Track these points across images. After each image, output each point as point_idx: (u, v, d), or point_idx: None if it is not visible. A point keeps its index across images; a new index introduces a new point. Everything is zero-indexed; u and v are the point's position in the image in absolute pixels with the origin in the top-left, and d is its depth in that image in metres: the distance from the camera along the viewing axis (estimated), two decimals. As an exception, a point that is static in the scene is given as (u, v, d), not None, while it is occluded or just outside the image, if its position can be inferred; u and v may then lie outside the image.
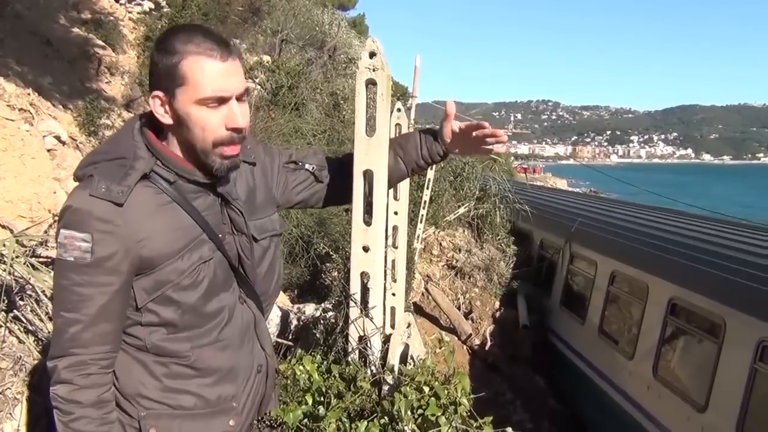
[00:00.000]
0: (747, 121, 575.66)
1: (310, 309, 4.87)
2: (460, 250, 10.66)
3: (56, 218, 4.67)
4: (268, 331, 1.86)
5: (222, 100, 1.55)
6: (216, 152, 1.59)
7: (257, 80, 10.35)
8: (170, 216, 1.59)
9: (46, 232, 4.09)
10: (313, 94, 10.95)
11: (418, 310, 9.37)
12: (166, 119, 1.58)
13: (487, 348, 9.14)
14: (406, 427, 1.77)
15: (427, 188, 8.42)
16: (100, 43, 8.68)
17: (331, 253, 6.07)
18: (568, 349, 8.72)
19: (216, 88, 1.53)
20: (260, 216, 1.82)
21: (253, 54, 12.67)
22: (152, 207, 1.56)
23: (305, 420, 1.94)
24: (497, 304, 10.00)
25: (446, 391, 1.88)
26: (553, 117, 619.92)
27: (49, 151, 5.44)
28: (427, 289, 9.62)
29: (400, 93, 16.34)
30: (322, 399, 2.00)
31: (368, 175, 2.06)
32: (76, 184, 1.56)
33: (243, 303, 1.77)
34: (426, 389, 1.88)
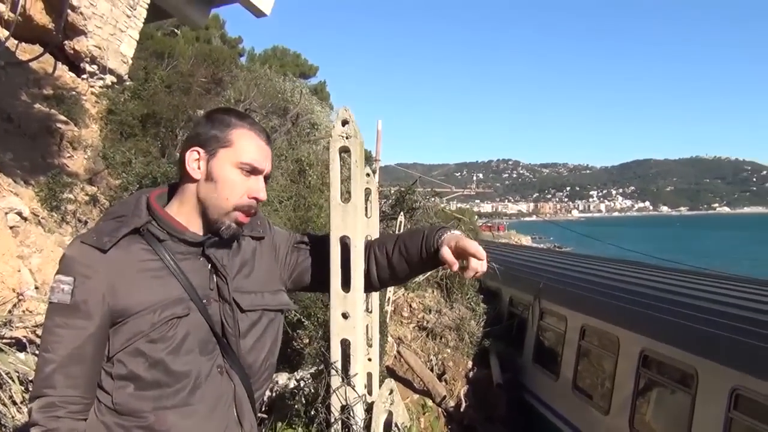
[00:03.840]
0: (700, 173, 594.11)
1: (283, 378, 4.76)
2: (430, 311, 10.62)
3: (20, 297, 4.55)
4: (249, 406, 1.80)
5: (254, 171, 1.72)
6: (231, 215, 1.71)
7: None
8: (153, 272, 1.65)
9: (10, 311, 3.96)
10: (278, 161, 11.01)
11: (390, 373, 9.23)
12: (197, 174, 1.70)
13: (462, 409, 9.00)
14: None
15: (398, 230, 8.42)
16: (62, 118, 8.64)
17: (302, 319, 5.99)
18: (543, 406, 8.65)
19: (255, 159, 1.71)
20: (255, 289, 1.82)
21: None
22: (137, 260, 1.64)
23: None
24: (470, 363, 9.92)
25: None
26: (514, 175, 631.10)
27: (11, 228, 5.34)
28: (399, 352, 9.51)
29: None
30: None
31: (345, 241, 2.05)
32: None
33: (223, 373, 1.73)
34: None
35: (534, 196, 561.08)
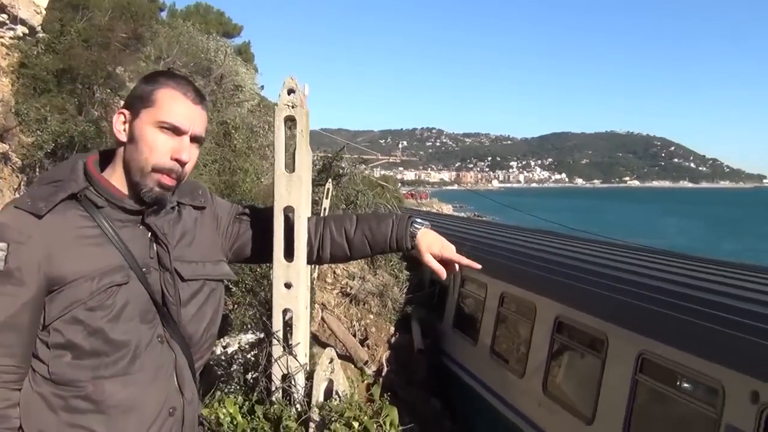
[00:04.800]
0: (614, 147, 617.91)
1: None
2: (353, 278, 10.71)
3: None
4: (191, 376, 1.79)
5: (177, 131, 1.66)
6: (153, 177, 1.65)
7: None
8: (91, 239, 1.60)
9: None
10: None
11: (314, 338, 9.29)
12: (122, 136, 1.67)
13: (383, 374, 9.19)
14: None
15: (327, 198, 8.39)
16: (-31, 69, 8.12)
17: (230, 285, 5.92)
18: (462, 371, 8.93)
19: (176, 119, 1.65)
20: (196, 259, 1.80)
21: (135, 81, 12.23)
22: (74, 227, 1.59)
23: None
24: (392, 329, 10.10)
25: (375, 425, 1.89)
26: (437, 144, 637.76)
27: None
28: (323, 318, 9.57)
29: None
30: None
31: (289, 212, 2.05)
32: None
33: (164, 342, 1.72)
34: (356, 424, 1.88)
35: (456, 165, 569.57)
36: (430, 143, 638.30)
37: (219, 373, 2.59)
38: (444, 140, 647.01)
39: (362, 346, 9.53)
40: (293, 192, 1.98)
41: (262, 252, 2.12)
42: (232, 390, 2.43)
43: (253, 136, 12.39)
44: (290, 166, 2.04)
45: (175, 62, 12.66)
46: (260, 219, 2.09)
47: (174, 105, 1.66)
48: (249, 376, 2.44)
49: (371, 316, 10.18)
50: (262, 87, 22.37)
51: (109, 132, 8.62)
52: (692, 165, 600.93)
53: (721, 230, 72.57)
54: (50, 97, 8.32)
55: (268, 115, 16.72)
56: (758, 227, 75.91)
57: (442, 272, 2.05)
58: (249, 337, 4.44)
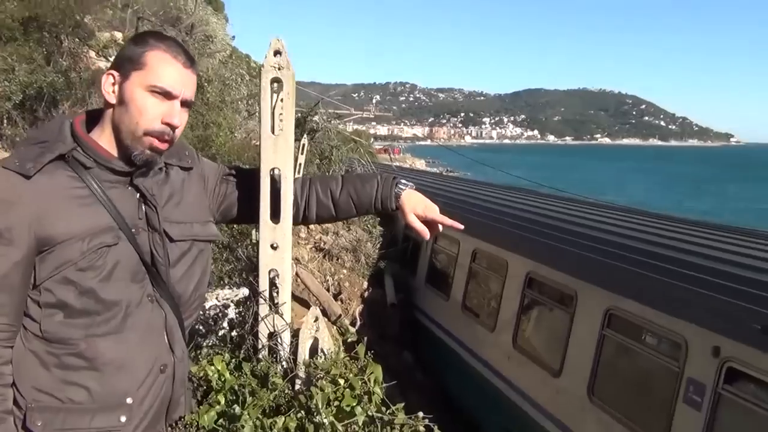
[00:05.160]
0: (585, 105, 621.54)
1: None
2: (327, 233, 10.75)
3: None
4: (180, 335, 1.83)
5: (168, 96, 1.65)
6: (144, 141, 1.66)
7: (111, 59, 9.76)
8: (80, 200, 1.61)
9: None
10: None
11: (288, 293, 9.36)
12: (111, 97, 1.66)
13: (356, 328, 9.32)
14: (325, 420, 1.82)
15: (302, 153, 8.34)
16: None
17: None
18: (434, 325, 9.11)
19: (168, 83, 1.65)
20: (184, 220, 1.82)
21: (104, 31, 11.92)
22: (62, 188, 1.59)
23: (220, 420, 1.93)
24: (365, 284, 10.21)
25: (360, 382, 1.95)
26: (411, 99, 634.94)
27: None
28: (296, 273, 9.63)
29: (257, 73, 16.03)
30: (235, 398, 2.00)
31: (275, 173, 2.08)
32: None
33: (154, 301, 1.75)
34: (341, 381, 1.94)
35: (429, 120, 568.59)
36: (404, 98, 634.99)
37: (198, 328, 2.63)
38: (417, 95, 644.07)
39: (336, 300, 9.65)
40: (279, 154, 2.00)
41: (248, 212, 2.13)
42: (211, 345, 2.48)
43: (225, 89, 12.20)
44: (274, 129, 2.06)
45: (144, 11, 12.34)
46: (246, 180, 2.10)
47: (165, 69, 1.65)
48: (234, 333, 2.49)
49: (345, 271, 10.27)
50: (233, 37, 21.93)
51: (78, 83, 8.45)
52: (662, 123, 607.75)
53: (685, 188, 73.95)
54: (16, 47, 8.08)
55: (240, 67, 16.43)
56: (723, 186, 77.59)
57: (426, 233, 2.10)
58: (227, 292, 4.47)
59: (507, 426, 6.72)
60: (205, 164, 2.02)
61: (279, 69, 2.01)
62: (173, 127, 1.68)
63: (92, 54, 10.67)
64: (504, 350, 7.02)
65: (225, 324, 2.70)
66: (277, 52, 1.99)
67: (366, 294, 9.97)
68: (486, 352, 7.49)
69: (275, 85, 2.04)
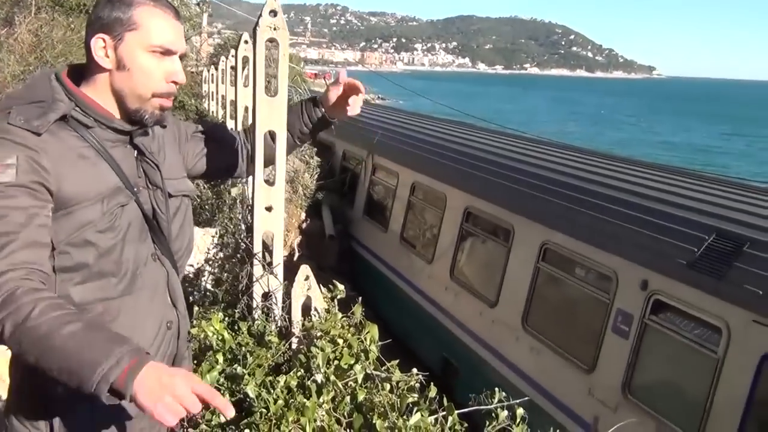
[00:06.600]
0: (517, 33, 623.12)
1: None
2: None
3: None
4: (180, 290, 1.84)
5: (168, 53, 1.62)
6: (153, 102, 1.63)
7: None
8: (88, 161, 1.56)
9: None
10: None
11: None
12: (106, 62, 1.59)
13: (295, 259, 9.39)
14: (325, 380, 1.88)
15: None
16: None
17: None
18: (372, 256, 9.27)
19: (167, 40, 1.60)
20: (174, 176, 1.82)
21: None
22: (70, 149, 1.53)
23: (222, 380, 1.96)
24: (303, 215, 10.23)
25: (358, 341, 2.01)
26: (342, 22, 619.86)
27: None
28: (233, 204, 9.54)
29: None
30: (232, 357, 2.03)
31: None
32: None
33: (156, 260, 1.74)
34: (340, 341, 1.99)
35: (361, 45, 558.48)
36: (335, 21, 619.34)
37: (184, 285, 2.62)
38: (349, 18, 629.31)
39: (273, 231, 9.65)
40: (274, 115, 1.98)
41: (218, 167, 2.13)
42: (198, 300, 2.49)
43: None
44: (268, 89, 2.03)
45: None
46: (214, 136, 2.09)
47: (160, 25, 1.60)
48: (222, 291, 2.50)
49: (282, 202, 10.24)
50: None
51: None
52: (589, 54, 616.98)
53: (606, 121, 76.12)
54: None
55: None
56: (647, 116, 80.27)
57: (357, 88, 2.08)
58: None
59: (444, 354, 7.02)
60: (176, 122, 2.00)
61: (275, 29, 1.97)
62: (178, 84, 1.67)
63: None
64: (441, 281, 7.25)
65: (208, 280, 2.70)
66: (273, 12, 1.95)
67: (304, 225, 10.01)
68: (423, 283, 7.72)
69: (268, 44, 2.01)
